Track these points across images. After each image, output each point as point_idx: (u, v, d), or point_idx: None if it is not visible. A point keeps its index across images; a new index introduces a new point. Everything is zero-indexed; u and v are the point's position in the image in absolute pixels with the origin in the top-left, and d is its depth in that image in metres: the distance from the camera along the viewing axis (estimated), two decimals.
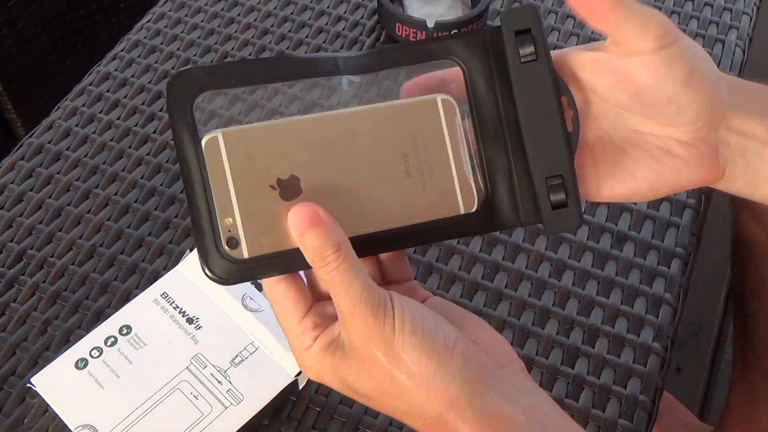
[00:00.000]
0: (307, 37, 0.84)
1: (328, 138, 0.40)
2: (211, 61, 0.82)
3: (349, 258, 0.38)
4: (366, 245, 0.40)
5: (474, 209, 0.42)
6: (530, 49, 0.41)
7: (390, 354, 0.38)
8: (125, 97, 0.79)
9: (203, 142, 0.39)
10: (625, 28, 0.38)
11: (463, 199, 0.42)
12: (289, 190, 0.39)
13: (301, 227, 0.38)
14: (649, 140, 0.42)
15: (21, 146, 0.75)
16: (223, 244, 0.39)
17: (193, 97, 0.40)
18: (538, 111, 0.41)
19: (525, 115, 0.41)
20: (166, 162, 0.74)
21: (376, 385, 0.39)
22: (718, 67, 0.84)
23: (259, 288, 0.64)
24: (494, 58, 0.42)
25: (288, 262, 0.39)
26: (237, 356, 0.58)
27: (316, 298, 0.42)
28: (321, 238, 0.38)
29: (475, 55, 0.42)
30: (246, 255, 0.39)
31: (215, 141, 0.39)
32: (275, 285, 0.40)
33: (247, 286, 0.60)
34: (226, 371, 0.57)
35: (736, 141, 0.41)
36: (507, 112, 0.42)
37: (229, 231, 0.39)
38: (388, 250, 0.42)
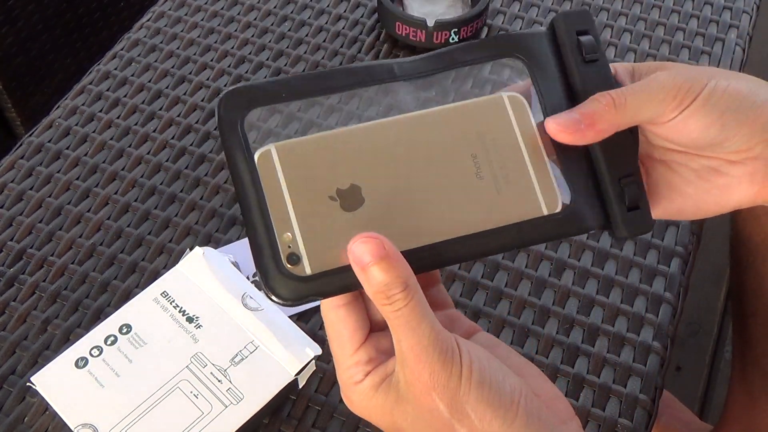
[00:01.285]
0: (307, 35, 0.84)
1: (388, 144, 0.38)
2: (212, 60, 0.82)
3: (417, 296, 0.35)
4: (439, 255, 0.38)
5: (558, 209, 0.39)
6: (593, 48, 0.40)
7: (454, 406, 0.35)
8: (125, 96, 0.79)
9: (256, 157, 0.37)
10: (639, 115, 0.38)
11: (545, 199, 0.39)
12: (351, 200, 0.37)
13: (363, 260, 0.35)
14: (695, 159, 0.41)
15: (21, 145, 0.75)
16: (284, 261, 0.36)
17: (244, 113, 0.38)
18: None
19: None
20: (166, 161, 0.74)
21: None
22: (718, 66, 0.83)
23: (259, 287, 0.64)
24: (555, 57, 0.41)
25: (354, 277, 0.36)
26: (237, 355, 0.58)
27: (372, 328, 0.39)
28: (388, 275, 0.35)
29: (537, 52, 0.41)
30: (309, 271, 0.36)
31: (268, 155, 0.37)
32: (335, 310, 0.38)
33: (247, 285, 0.60)
34: (226, 370, 0.57)
35: None
36: None
37: (289, 247, 0.36)
38: (465, 259, 0.39)
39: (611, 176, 0.39)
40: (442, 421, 0.36)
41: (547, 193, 0.39)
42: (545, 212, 0.39)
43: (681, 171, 0.41)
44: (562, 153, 0.40)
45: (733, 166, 0.40)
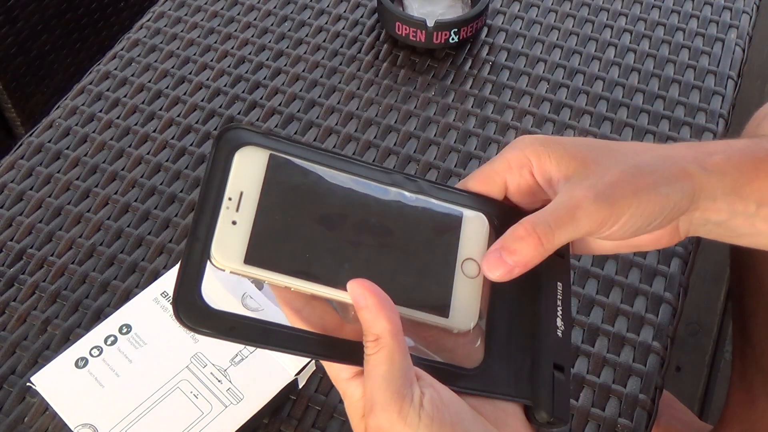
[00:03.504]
0: (306, 36, 0.84)
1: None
2: (211, 60, 0.82)
3: (385, 350, 0.37)
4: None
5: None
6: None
7: None
8: (125, 96, 0.79)
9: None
10: (564, 242, 0.41)
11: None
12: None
13: (359, 303, 0.38)
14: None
15: (21, 145, 0.75)
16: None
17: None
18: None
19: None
20: (166, 161, 0.74)
21: None
22: (717, 66, 0.83)
23: (260, 287, 0.64)
24: None
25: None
26: (237, 355, 0.58)
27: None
28: (365, 323, 0.38)
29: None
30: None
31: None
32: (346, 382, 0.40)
33: (247, 285, 0.60)
34: (226, 370, 0.57)
35: (699, 220, 0.45)
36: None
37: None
38: None
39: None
40: None
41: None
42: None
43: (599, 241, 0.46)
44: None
45: (644, 236, 0.45)
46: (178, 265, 0.62)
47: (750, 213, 0.44)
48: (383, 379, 0.37)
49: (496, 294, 0.42)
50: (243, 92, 0.79)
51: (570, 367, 0.42)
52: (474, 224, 0.43)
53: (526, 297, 0.43)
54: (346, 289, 0.38)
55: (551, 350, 0.42)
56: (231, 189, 0.38)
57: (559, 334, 0.42)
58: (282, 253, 0.38)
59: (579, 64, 0.82)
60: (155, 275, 0.66)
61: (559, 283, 0.44)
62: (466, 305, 0.41)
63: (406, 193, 0.42)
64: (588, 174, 0.42)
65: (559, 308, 0.43)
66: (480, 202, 0.44)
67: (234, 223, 0.38)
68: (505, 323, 0.42)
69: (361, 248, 0.40)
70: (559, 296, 0.43)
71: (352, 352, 0.38)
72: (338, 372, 0.40)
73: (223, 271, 0.38)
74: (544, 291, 0.43)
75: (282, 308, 0.40)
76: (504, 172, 0.44)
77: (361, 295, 0.38)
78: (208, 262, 0.38)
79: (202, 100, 0.79)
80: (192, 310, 0.37)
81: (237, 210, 0.38)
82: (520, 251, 0.40)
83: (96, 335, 0.59)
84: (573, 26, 0.86)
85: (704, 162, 0.44)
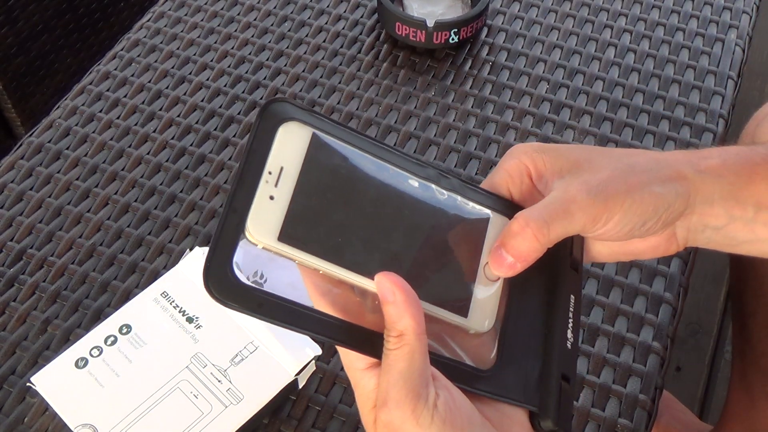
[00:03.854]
0: (306, 36, 0.84)
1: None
2: (211, 60, 0.82)
3: (408, 347, 0.37)
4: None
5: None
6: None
7: None
8: (125, 96, 0.79)
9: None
10: (560, 237, 0.41)
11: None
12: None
13: (386, 298, 0.38)
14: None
15: (21, 145, 0.75)
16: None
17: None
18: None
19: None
20: (166, 161, 0.74)
21: None
22: (717, 66, 0.83)
23: (259, 287, 0.64)
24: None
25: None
26: (237, 355, 0.58)
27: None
28: (389, 318, 0.37)
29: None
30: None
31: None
32: (360, 371, 0.40)
33: None
34: (226, 370, 0.57)
35: (696, 225, 0.44)
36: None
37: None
38: None
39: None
40: None
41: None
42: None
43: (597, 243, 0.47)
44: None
45: (641, 241, 0.46)
46: (180, 262, 0.62)
47: (748, 218, 0.44)
48: (401, 375, 0.37)
49: (512, 299, 0.42)
50: (243, 92, 0.79)
51: (575, 379, 0.42)
52: (499, 228, 0.43)
53: (540, 306, 0.43)
54: (374, 279, 0.38)
55: (560, 360, 0.42)
56: (272, 163, 0.38)
57: (569, 345, 0.42)
58: (315, 234, 0.38)
59: (579, 64, 0.82)
60: (155, 275, 0.66)
61: (572, 295, 0.44)
62: (484, 307, 0.41)
63: (439, 190, 0.42)
64: (581, 172, 0.42)
65: (570, 320, 0.43)
66: (506, 205, 0.44)
67: (272, 198, 0.37)
68: (520, 329, 0.42)
69: (392, 239, 0.40)
70: (571, 308, 0.43)
71: (372, 343, 0.38)
72: (353, 361, 0.39)
73: (256, 246, 0.37)
74: (558, 302, 0.43)
75: (308, 289, 0.40)
76: (506, 182, 0.44)
77: (389, 290, 0.37)
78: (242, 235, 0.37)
79: (202, 100, 0.79)
80: (223, 283, 0.36)
81: (276, 185, 0.38)
82: (516, 246, 0.40)
83: (96, 335, 0.59)
84: (573, 26, 0.86)
85: (698, 165, 0.44)
